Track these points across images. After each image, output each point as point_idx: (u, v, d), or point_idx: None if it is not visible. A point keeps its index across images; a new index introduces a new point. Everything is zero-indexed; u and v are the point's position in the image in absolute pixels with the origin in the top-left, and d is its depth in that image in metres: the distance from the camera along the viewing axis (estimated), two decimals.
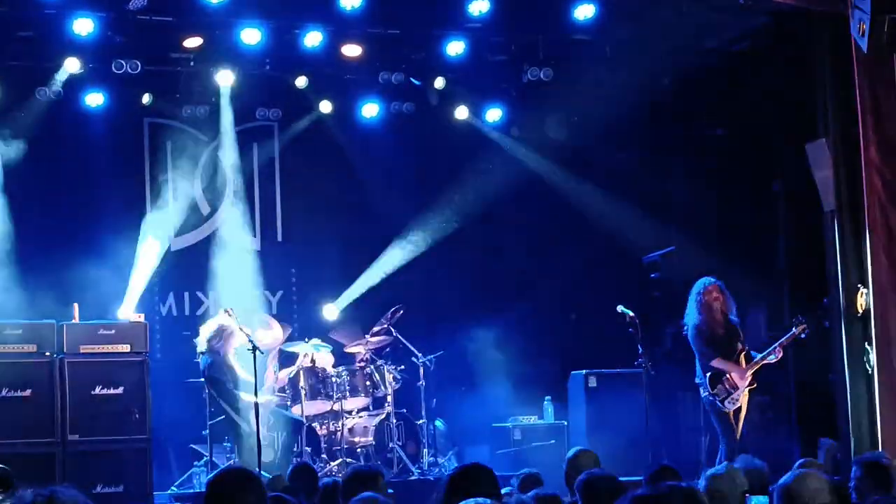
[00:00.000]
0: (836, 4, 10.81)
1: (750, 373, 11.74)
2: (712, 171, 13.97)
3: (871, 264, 11.31)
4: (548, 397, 14.62)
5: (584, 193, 15.24)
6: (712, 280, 12.04)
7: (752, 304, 14.17)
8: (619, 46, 14.16)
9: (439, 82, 14.76)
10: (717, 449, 11.81)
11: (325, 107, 14.91)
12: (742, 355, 11.85)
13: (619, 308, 12.73)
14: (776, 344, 11.76)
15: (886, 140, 11.19)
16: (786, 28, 13.12)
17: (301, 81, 14.39)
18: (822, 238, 12.88)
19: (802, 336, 11.69)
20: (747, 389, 11.72)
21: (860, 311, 11.52)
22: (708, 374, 11.72)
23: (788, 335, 11.74)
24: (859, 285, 11.70)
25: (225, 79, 14.10)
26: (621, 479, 6.99)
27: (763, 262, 14.14)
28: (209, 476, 5.16)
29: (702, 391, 11.87)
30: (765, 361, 11.81)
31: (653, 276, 14.65)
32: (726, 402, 11.64)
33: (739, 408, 11.72)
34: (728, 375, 11.69)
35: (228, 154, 15.02)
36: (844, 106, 11.97)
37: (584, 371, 14.01)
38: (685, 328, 12.05)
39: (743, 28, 13.72)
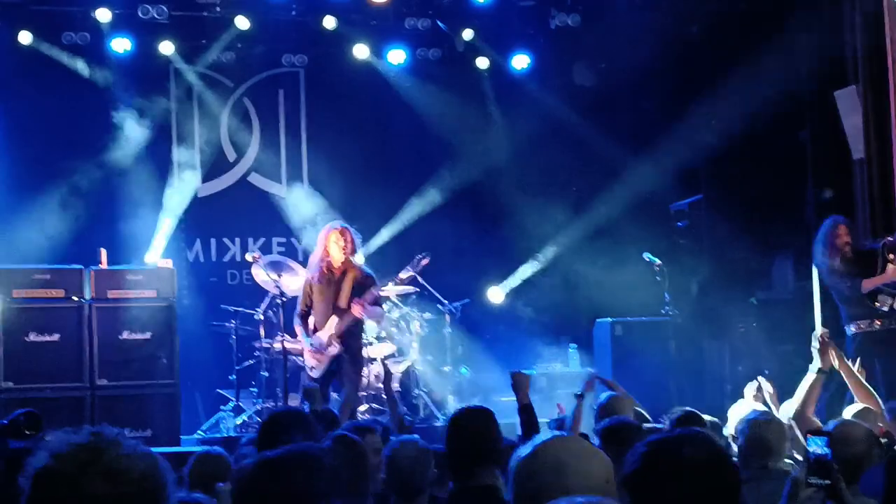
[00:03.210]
0: None
1: None
2: (740, 117, 13.87)
3: None
4: (573, 345, 14.64)
5: (611, 141, 15.18)
6: (840, 219, 11.26)
7: (780, 251, 14.13)
8: None
9: (467, 33, 14.71)
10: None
11: (352, 52, 14.87)
12: (885, 261, 10.88)
13: (646, 256, 12.71)
14: None
15: None
16: None
17: (326, 24, 14.35)
18: (851, 186, 12.84)
19: None
20: None
21: (889, 258, 11.46)
22: (865, 303, 10.83)
23: None
24: (887, 234, 11.66)
25: (244, 23, 14.08)
26: (647, 426, 7.02)
27: (791, 210, 14.07)
28: (264, 416, 5.28)
29: (849, 329, 10.99)
30: None
31: (680, 224, 14.61)
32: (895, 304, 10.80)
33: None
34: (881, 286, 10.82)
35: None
36: (874, 53, 11.90)
37: (609, 319, 14.01)
38: (820, 275, 11.31)
39: None
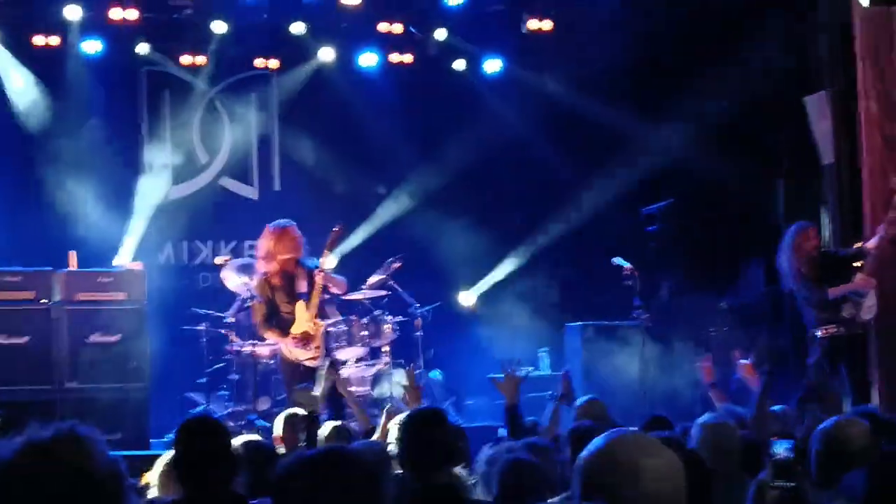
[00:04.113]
0: None
1: (870, 273, 10.72)
2: (711, 123, 13.94)
3: (870, 219, 11.32)
4: (544, 349, 14.66)
5: (583, 144, 15.21)
6: (808, 224, 11.16)
7: (750, 256, 14.18)
8: None
9: (440, 33, 14.72)
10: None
11: (324, 56, 14.85)
12: (853, 269, 10.81)
13: (616, 260, 12.73)
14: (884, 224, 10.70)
15: (886, 93, 11.18)
16: None
17: (298, 28, 14.35)
18: (821, 191, 12.91)
19: None
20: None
21: (857, 264, 11.52)
22: (828, 309, 10.79)
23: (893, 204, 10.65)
24: (856, 239, 11.73)
25: (220, 28, 14.09)
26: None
27: (761, 215, 14.15)
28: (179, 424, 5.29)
29: (815, 333, 10.89)
30: (880, 241, 10.74)
31: (650, 228, 14.64)
32: (863, 314, 10.75)
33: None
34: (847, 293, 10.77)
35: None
36: (845, 59, 11.97)
37: (580, 323, 14.03)
38: (783, 280, 11.18)
39: None
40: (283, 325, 11.10)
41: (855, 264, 10.90)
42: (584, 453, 3.13)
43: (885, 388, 11.03)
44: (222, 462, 5.03)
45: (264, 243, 11.20)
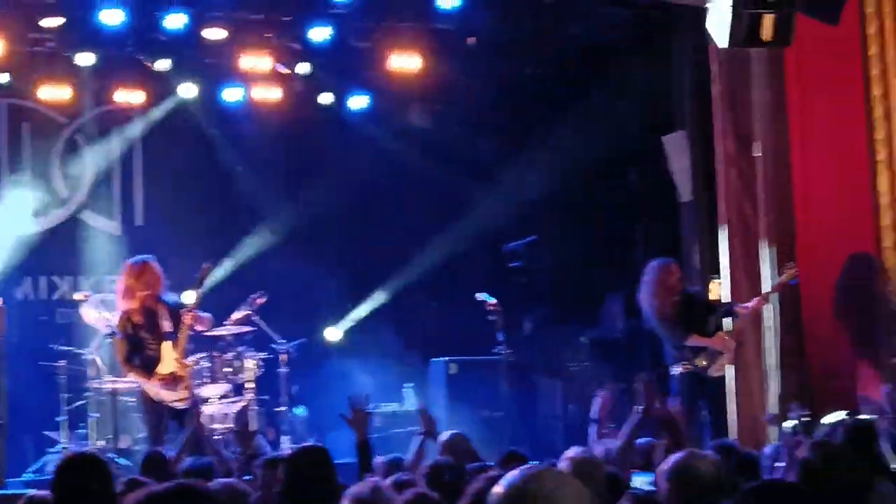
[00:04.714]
0: None
1: (735, 336, 11.00)
2: (573, 160, 14.13)
3: (728, 256, 11.55)
4: (408, 384, 14.67)
5: (446, 182, 15.30)
6: (670, 261, 11.08)
7: (610, 292, 14.38)
8: (483, 36, 14.25)
9: (304, 68, 14.70)
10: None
11: (188, 90, 14.72)
12: (717, 325, 11.01)
13: (481, 295, 12.82)
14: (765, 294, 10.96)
15: (741, 133, 11.45)
16: (649, 19, 13.37)
17: (162, 64, 14.22)
18: (679, 228, 13.16)
19: (792, 283, 10.89)
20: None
21: (715, 300, 11.76)
22: (685, 350, 10.86)
23: (776, 283, 10.92)
24: (713, 275, 11.97)
25: (85, 60, 13.89)
26: (481, 464, 7.08)
27: (621, 252, 14.36)
28: (57, 461, 5.21)
29: (674, 369, 10.92)
30: (752, 309, 10.98)
31: (513, 264, 14.77)
32: (714, 370, 10.85)
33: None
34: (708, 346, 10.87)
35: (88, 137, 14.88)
36: (702, 98, 12.24)
37: (444, 358, 14.09)
38: (645, 317, 11.14)
39: (606, 19, 13.89)
40: (147, 362, 10.92)
41: (720, 321, 11.06)
42: (500, 488, 3.13)
43: (742, 423, 11.25)
44: (99, 498, 4.94)
45: (124, 280, 11.07)
